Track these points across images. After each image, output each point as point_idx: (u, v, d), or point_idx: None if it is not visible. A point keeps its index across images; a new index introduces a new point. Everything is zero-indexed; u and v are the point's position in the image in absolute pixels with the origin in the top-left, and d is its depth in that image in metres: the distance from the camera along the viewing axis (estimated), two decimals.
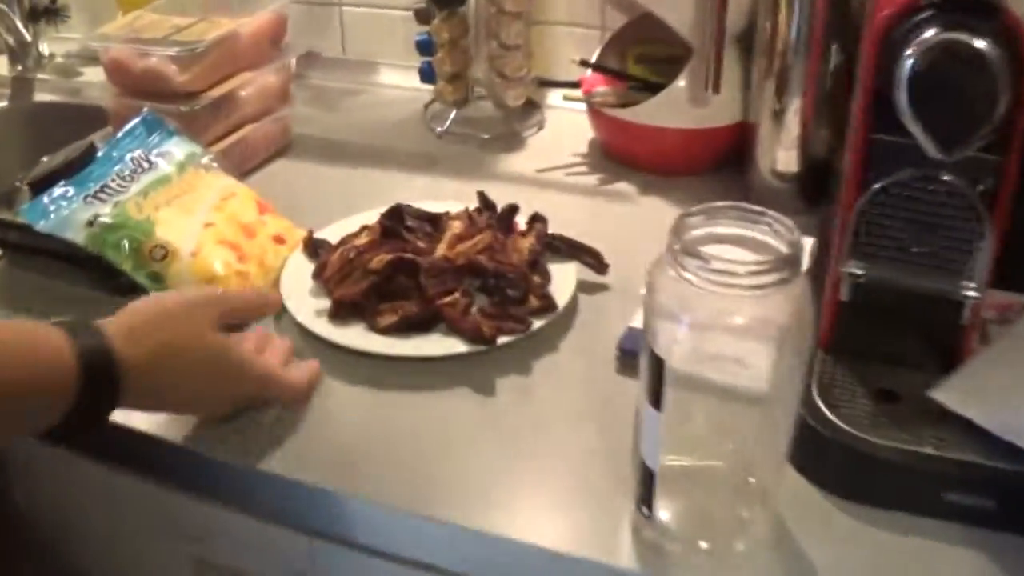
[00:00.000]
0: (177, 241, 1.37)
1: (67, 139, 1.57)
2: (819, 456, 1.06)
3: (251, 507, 1.18)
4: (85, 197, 1.39)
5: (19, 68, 2.37)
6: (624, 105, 1.67)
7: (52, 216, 1.38)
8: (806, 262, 0.97)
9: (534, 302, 1.31)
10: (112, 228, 1.36)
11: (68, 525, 1.46)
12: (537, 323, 1.29)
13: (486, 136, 1.86)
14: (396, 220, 1.43)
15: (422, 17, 1.82)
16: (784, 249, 0.88)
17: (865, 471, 1.04)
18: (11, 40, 2.33)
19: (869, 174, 1.05)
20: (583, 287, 1.38)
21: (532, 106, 1.92)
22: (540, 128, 1.90)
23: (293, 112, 1.86)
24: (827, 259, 1.14)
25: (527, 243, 1.40)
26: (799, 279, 0.87)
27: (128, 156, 1.45)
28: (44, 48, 2.40)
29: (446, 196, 1.55)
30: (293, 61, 1.85)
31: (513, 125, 1.87)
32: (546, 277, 1.36)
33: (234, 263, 1.38)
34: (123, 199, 1.39)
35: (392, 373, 1.25)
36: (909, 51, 0.94)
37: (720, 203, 0.91)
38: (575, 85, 1.77)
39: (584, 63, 1.74)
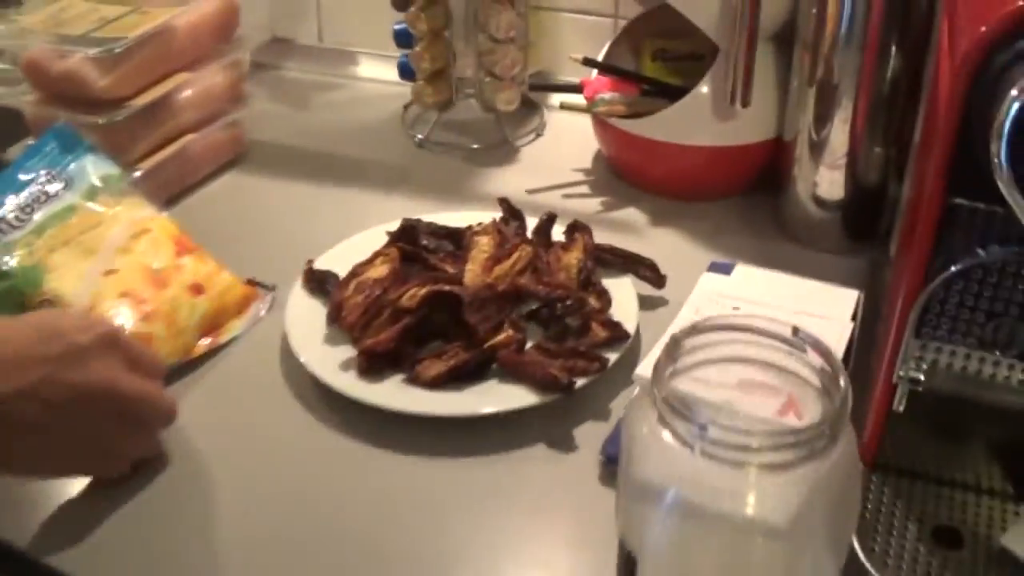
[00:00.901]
0: (69, 294, 1.16)
1: None
2: None
3: None
4: None
5: None
6: (635, 115, 1.45)
7: None
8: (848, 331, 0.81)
9: (598, 331, 1.15)
10: None
11: None
12: (611, 356, 1.12)
13: (474, 146, 1.65)
14: (411, 242, 1.28)
15: (399, 3, 1.59)
16: (822, 401, 0.65)
17: None
18: None
19: (941, 250, 0.81)
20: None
21: (530, 107, 1.72)
22: (538, 135, 1.69)
23: (251, 114, 1.66)
24: (877, 336, 0.96)
25: (574, 258, 1.25)
26: (843, 442, 0.61)
27: (33, 180, 1.24)
28: None
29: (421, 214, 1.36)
30: (246, 57, 1.64)
31: (505, 132, 1.66)
32: (605, 298, 1.21)
33: (136, 322, 1.16)
34: (15, 239, 1.18)
35: (434, 433, 1.08)
36: (1016, 90, 0.68)
37: (733, 316, 0.68)
38: (575, 89, 1.54)
39: (588, 62, 1.52)
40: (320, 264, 1.27)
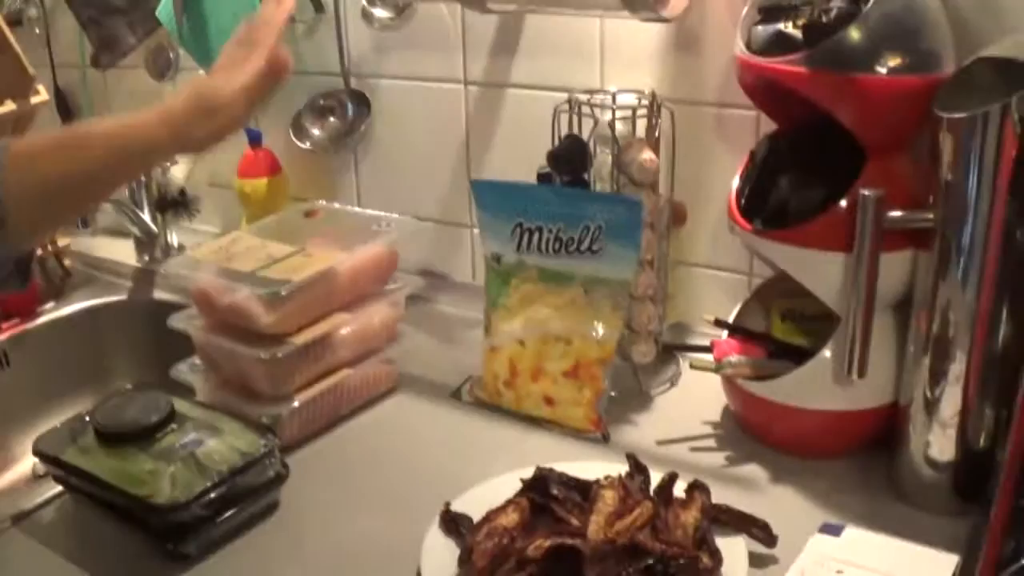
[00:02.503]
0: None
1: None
2: None
3: None
4: None
5: (146, 258, 2.41)
6: (760, 377, 1.56)
7: None
8: None
9: None
10: None
11: None
12: None
13: (612, 394, 1.71)
14: (542, 492, 1.37)
15: None
16: None
17: None
18: (136, 231, 2.35)
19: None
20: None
21: (668, 355, 1.81)
22: (673, 384, 1.79)
23: (404, 349, 1.81)
24: None
25: (691, 517, 1.32)
26: None
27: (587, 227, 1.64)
28: (174, 238, 2.41)
29: (557, 460, 1.46)
30: (402, 298, 1.78)
31: (640, 382, 1.77)
32: (717, 558, 1.27)
33: None
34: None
35: None
36: None
37: None
38: (706, 349, 1.65)
39: (719, 323, 1.65)
40: (457, 506, 1.38)
